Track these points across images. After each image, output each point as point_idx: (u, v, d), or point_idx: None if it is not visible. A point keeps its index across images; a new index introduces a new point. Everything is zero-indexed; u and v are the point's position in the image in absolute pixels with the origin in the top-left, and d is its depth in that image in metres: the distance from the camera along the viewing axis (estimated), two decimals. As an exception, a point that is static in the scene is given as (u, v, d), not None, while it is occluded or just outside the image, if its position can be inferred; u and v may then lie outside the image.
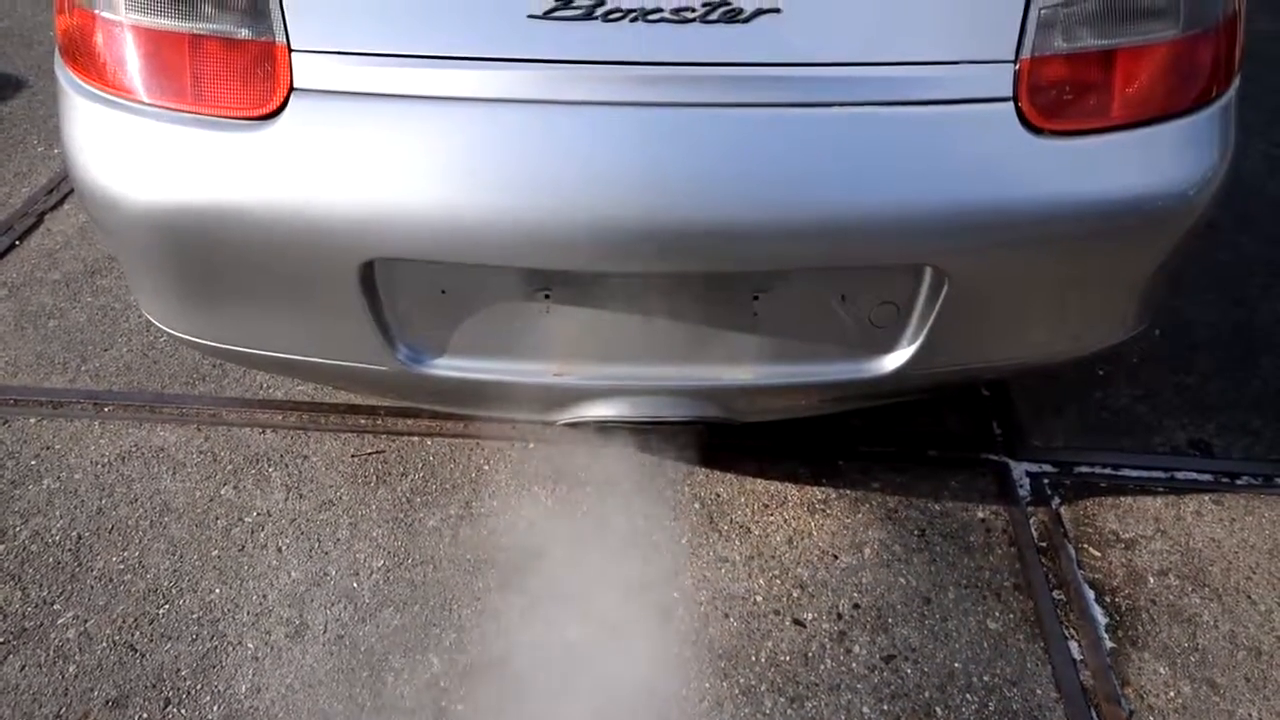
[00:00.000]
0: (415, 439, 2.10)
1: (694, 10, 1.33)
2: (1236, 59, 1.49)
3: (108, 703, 1.62)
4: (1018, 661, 1.68)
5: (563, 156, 1.37)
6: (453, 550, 1.87)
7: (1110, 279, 1.55)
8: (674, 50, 1.35)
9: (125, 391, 2.23)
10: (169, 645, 1.70)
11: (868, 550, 1.87)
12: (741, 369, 1.61)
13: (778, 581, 1.81)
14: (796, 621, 1.75)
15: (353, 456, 2.06)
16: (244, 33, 1.37)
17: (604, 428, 1.85)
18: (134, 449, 2.08)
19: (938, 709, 1.62)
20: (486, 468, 2.04)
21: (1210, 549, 1.88)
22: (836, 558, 1.86)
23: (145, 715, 1.60)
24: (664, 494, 1.97)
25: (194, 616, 1.75)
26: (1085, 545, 1.89)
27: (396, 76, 1.36)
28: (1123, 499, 1.98)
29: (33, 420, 2.16)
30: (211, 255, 1.49)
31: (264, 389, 2.23)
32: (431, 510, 1.95)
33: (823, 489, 1.99)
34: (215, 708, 1.61)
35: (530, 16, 1.34)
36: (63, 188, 2.95)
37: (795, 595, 1.79)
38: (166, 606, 1.77)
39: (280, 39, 1.36)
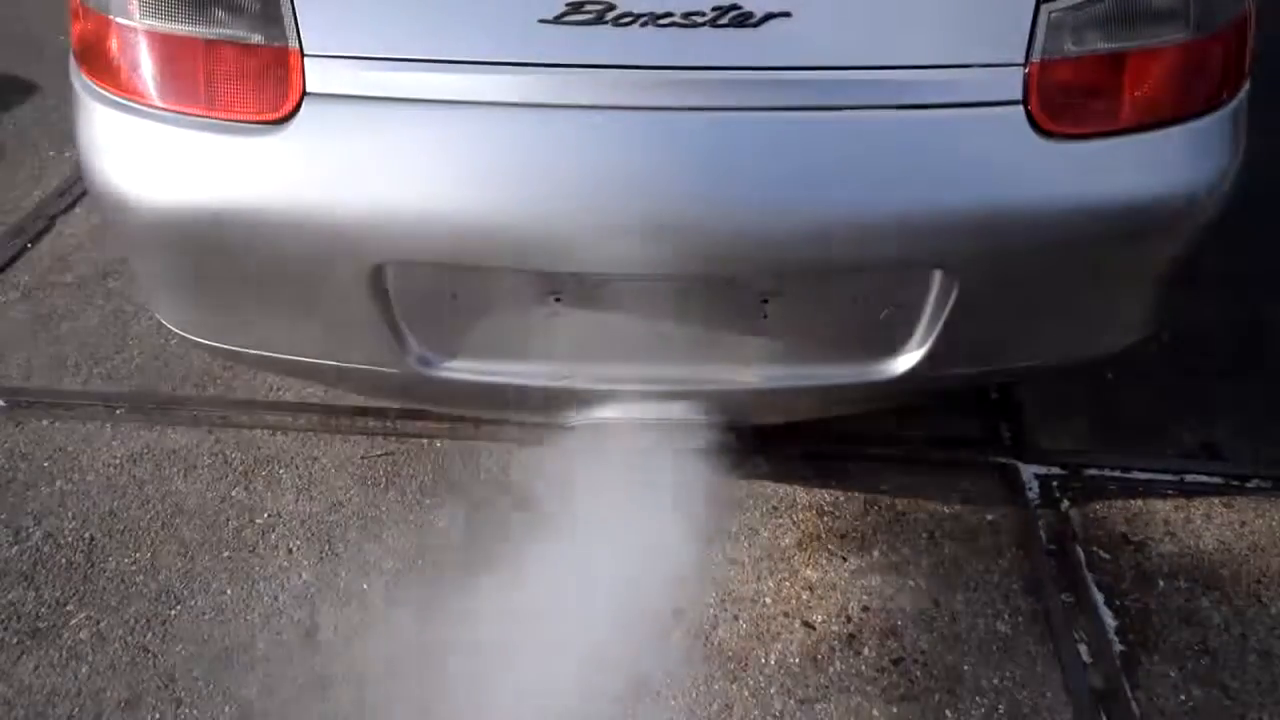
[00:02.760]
0: (425, 441, 2.10)
1: (704, 14, 1.33)
2: (1247, 62, 1.49)
3: (120, 703, 1.63)
4: (1027, 664, 1.68)
5: (573, 160, 1.38)
6: (463, 552, 1.87)
7: (1120, 282, 1.55)
8: (684, 54, 1.35)
9: (137, 393, 2.24)
10: (181, 646, 1.71)
11: (876, 552, 1.87)
12: (751, 371, 1.61)
13: (787, 584, 1.82)
14: (806, 624, 1.75)
15: (362, 458, 2.07)
16: (257, 38, 1.38)
17: (614, 430, 1.85)
18: (145, 451, 2.09)
19: (947, 712, 1.62)
20: (496, 470, 2.04)
21: (1220, 552, 1.87)
22: (845, 560, 1.86)
23: (158, 716, 1.61)
24: (674, 496, 1.97)
25: (206, 617, 1.76)
26: (1095, 548, 1.88)
27: (408, 81, 1.37)
28: (1132, 502, 1.98)
29: (45, 422, 2.17)
30: (224, 259, 1.49)
31: (274, 391, 2.24)
32: (441, 512, 1.95)
33: (831, 491, 2.00)
34: (227, 708, 1.62)
35: (541, 21, 1.34)
36: (74, 191, 2.97)
37: (804, 597, 1.79)
38: (178, 607, 1.77)
39: (293, 44, 1.37)
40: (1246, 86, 1.51)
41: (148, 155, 1.44)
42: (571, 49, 1.35)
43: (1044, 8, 1.36)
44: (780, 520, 1.94)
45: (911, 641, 1.72)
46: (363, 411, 2.17)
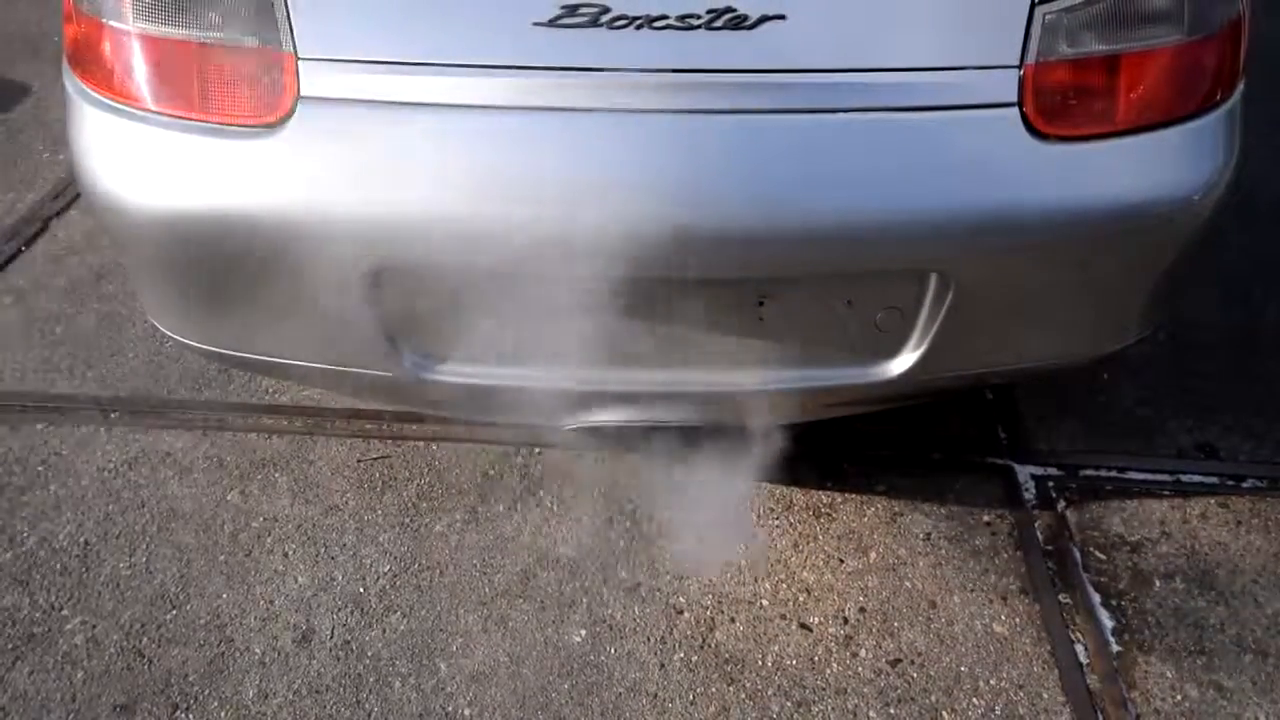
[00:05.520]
0: (421, 444, 2.10)
1: (699, 17, 1.33)
2: (1242, 63, 1.49)
3: (116, 709, 1.62)
4: (1024, 665, 1.68)
5: (568, 164, 1.37)
6: (459, 555, 1.87)
7: (1115, 284, 1.55)
8: (679, 57, 1.35)
9: (131, 397, 2.24)
10: (177, 651, 1.71)
11: (873, 554, 1.87)
12: (747, 374, 1.61)
13: (784, 585, 1.82)
14: (803, 625, 1.75)
15: (358, 461, 2.06)
16: (251, 41, 1.37)
17: (610, 433, 1.85)
18: (141, 454, 2.08)
19: (944, 713, 1.62)
20: (492, 473, 2.04)
21: (1216, 552, 1.87)
22: (842, 561, 1.86)
23: (153, 721, 1.61)
24: (670, 499, 1.97)
25: (201, 622, 1.75)
26: (1091, 548, 1.89)
27: (403, 84, 1.36)
28: (1128, 502, 1.98)
29: (39, 426, 2.16)
30: (218, 262, 1.49)
31: (269, 394, 2.23)
32: (438, 515, 1.95)
33: (828, 493, 2.00)
34: (223, 713, 1.61)
35: (535, 24, 1.34)
36: (68, 193, 2.96)
37: (801, 599, 1.79)
38: (174, 612, 1.77)
39: (288, 47, 1.37)
40: (1242, 86, 1.51)
41: (141, 159, 1.44)
42: (566, 52, 1.35)
43: (1039, 9, 1.35)
44: (777, 522, 1.94)
45: (908, 643, 1.72)
46: (358, 414, 2.16)
